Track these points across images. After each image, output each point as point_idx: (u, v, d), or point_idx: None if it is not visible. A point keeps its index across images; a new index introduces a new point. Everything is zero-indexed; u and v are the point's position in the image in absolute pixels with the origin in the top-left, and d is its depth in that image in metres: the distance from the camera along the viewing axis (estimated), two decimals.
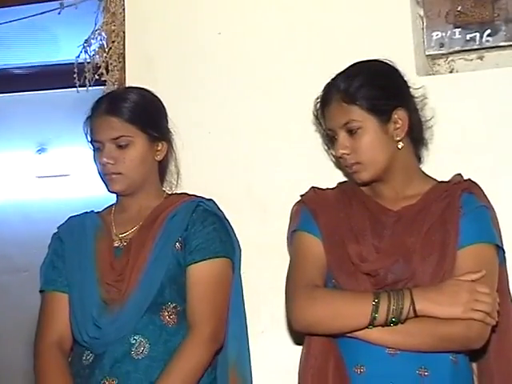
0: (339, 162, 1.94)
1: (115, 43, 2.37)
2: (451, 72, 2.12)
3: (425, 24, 2.12)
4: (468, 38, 2.09)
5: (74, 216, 2.03)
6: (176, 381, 1.76)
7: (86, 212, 2.04)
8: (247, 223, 2.08)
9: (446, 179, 1.85)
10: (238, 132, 2.19)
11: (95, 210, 2.05)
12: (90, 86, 2.46)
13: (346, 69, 1.85)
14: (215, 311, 1.86)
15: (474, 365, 1.77)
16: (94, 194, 2.46)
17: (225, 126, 2.20)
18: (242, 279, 1.97)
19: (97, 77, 2.44)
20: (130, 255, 1.87)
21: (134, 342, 1.81)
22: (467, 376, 1.72)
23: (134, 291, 1.83)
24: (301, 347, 1.80)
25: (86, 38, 2.45)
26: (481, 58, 2.11)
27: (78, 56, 2.47)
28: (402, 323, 1.63)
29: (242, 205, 2.12)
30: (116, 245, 1.93)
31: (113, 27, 2.37)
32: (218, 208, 1.97)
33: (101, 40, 2.43)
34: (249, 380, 1.94)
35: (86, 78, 2.46)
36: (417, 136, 1.88)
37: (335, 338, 1.70)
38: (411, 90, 1.88)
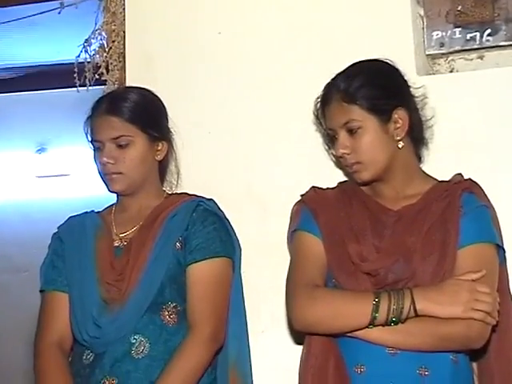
0: (339, 162, 1.94)
1: (115, 43, 2.37)
2: (451, 71, 2.12)
3: (425, 24, 2.12)
4: (468, 37, 2.09)
5: (74, 216, 2.03)
6: (176, 380, 1.76)
7: (86, 212, 2.04)
8: (247, 223, 2.08)
9: (447, 179, 1.85)
10: (238, 132, 2.19)
11: (95, 210, 2.05)
12: (90, 85, 2.46)
13: (346, 69, 1.85)
14: (215, 311, 1.85)
15: (475, 364, 1.77)
16: (94, 194, 2.46)
17: (225, 125, 2.20)
18: (242, 279, 1.97)
19: (97, 76, 2.44)
20: (130, 255, 1.87)
21: (134, 341, 1.81)
22: (467, 376, 1.72)
23: (135, 291, 1.83)
24: (301, 347, 1.80)
25: (86, 37, 2.45)
26: (481, 57, 2.11)
27: (78, 56, 2.47)
28: (402, 323, 1.62)
29: (241, 204, 2.12)
30: (116, 244, 1.93)
31: (113, 27, 2.37)
32: (218, 208, 1.97)
33: (101, 40, 2.43)
34: (249, 380, 1.93)
35: (86, 77, 2.46)
36: (417, 135, 1.88)
37: (335, 337, 1.70)
38: (411, 89, 1.88)
